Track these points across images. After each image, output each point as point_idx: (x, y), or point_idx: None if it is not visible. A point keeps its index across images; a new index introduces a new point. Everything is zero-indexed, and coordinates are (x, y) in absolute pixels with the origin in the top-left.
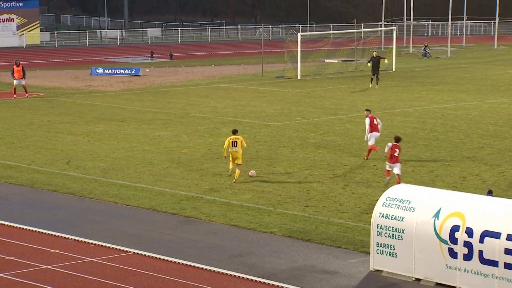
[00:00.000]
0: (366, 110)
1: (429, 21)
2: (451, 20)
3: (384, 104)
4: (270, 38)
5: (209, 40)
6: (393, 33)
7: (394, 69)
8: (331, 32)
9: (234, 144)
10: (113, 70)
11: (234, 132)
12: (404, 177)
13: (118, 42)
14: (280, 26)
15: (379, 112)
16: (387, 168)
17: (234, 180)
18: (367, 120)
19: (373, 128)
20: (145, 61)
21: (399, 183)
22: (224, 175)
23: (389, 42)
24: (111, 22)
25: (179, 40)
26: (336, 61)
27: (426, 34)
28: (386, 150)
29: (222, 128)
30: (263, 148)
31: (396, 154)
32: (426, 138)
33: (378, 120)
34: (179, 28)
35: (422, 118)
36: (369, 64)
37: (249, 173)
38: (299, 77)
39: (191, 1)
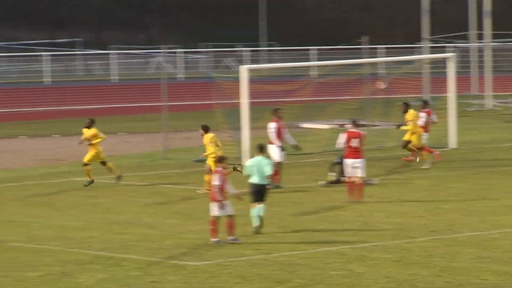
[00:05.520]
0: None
1: None
2: None
3: (434, 220)
4: (181, 76)
5: (46, 80)
6: (446, 66)
7: (454, 145)
8: (314, 63)
9: None
10: None
11: None
12: None
13: None
14: (202, 50)
15: (421, 237)
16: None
17: None
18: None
19: None
20: None
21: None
22: None
23: (439, 84)
24: None
25: None
26: (325, 126)
27: None
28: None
29: (79, 276)
30: None
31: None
32: None
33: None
34: None
35: None
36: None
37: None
38: (245, 162)
39: None
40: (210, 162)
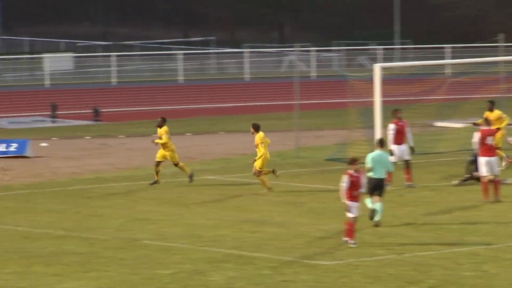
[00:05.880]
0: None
1: None
2: None
3: None
4: (314, 74)
5: (180, 78)
6: None
7: None
8: (449, 61)
9: None
10: None
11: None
12: None
13: None
14: (335, 48)
15: None
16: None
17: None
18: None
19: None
20: (39, 125)
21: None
22: None
23: None
24: None
25: (114, 80)
26: (460, 125)
27: None
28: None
29: (210, 274)
30: None
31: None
32: None
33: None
34: (111, 54)
35: None
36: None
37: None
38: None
39: None
40: (258, 163)
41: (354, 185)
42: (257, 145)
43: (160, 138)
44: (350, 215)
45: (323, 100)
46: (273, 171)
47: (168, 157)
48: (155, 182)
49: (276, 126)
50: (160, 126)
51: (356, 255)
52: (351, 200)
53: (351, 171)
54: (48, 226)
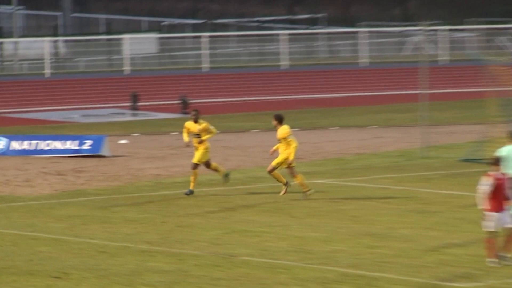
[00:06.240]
0: None
1: None
2: None
3: None
4: (445, 58)
5: (284, 63)
6: None
7: None
8: None
9: None
10: (34, 144)
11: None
12: None
13: (47, 71)
14: (470, 27)
15: None
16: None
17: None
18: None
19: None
20: (117, 119)
21: None
22: None
23: None
24: (29, 17)
25: (206, 65)
26: None
27: None
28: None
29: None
30: None
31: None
32: None
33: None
34: (202, 34)
35: None
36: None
37: None
38: None
39: None
40: (281, 158)
41: (498, 190)
42: (285, 138)
43: (199, 135)
44: (488, 227)
45: (455, 89)
46: (286, 184)
47: (196, 155)
48: (227, 177)
49: (398, 120)
50: (197, 121)
51: (500, 276)
52: (493, 210)
53: (494, 173)
54: (128, 239)
